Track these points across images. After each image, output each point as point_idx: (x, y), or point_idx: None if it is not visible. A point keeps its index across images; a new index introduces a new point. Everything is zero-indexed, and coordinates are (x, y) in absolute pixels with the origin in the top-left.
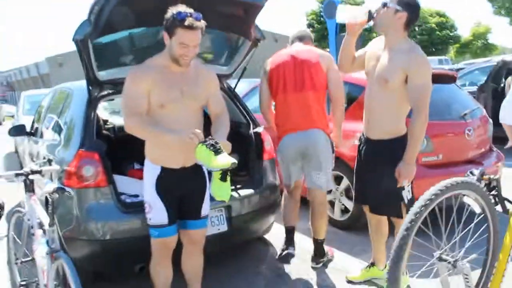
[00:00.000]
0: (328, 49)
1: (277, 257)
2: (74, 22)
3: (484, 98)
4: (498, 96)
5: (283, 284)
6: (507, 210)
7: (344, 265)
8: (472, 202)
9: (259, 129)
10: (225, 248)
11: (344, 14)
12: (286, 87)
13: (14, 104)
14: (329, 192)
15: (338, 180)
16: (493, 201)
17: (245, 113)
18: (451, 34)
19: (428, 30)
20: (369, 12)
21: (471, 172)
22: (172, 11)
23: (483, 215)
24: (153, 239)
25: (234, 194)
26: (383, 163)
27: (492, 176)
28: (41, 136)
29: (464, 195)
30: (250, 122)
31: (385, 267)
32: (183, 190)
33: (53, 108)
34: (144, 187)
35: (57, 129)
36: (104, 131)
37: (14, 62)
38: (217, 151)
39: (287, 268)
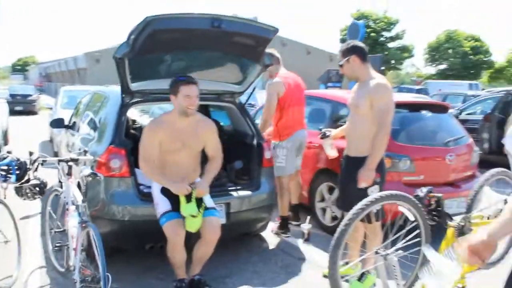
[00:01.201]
0: None
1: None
2: (112, 20)
3: (489, 128)
4: (503, 126)
5: (269, 271)
6: (446, 223)
7: (325, 263)
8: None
9: (262, 141)
10: (224, 238)
11: (329, 151)
12: (293, 101)
13: (50, 95)
14: (322, 200)
15: (330, 190)
16: (427, 213)
17: (251, 125)
18: (485, 59)
19: (462, 54)
20: (325, 135)
21: (420, 190)
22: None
23: (416, 223)
24: (164, 227)
25: (234, 193)
26: (355, 176)
27: (436, 195)
28: (78, 130)
29: (399, 205)
30: (255, 134)
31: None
32: None
33: (90, 107)
34: (153, 194)
35: (93, 125)
36: (132, 131)
37: (54, 55)
38: (189, 200)
39: (275, 260)
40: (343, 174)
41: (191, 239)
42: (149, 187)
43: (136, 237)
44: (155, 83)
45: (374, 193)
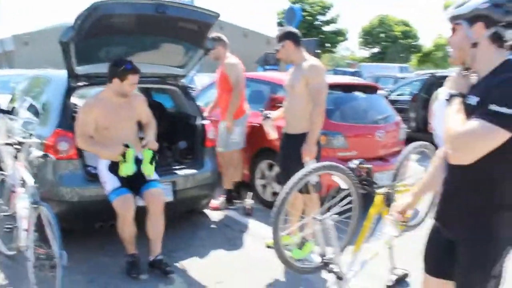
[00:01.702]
0: None
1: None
2: (41, 2)
3: (416, 108)
4: (428, 106)
5: (214, 244)
6: (374, 191)
7: (268, 235)
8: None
9: (204, 122)
10: (172, 216)
11: (270, 132)
12: (244, 84)
13: None
14: (262, 177)
15: (270, 167)
16: (359, 183)
17: (194, 107)
18: (414, 43)
19: (393, 38)
20: (267, 116)
21: (352, 162)
22: (120, 64)
23: (348, 191)
24: (113, 202)
25: (180, 172)
26: (294, 151)
27: (367, 165)
28: (18, 115)
29: (333, 174)
30: (198, 115)
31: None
32: None
33: (30, 92)
34: (101, 173)
35: (35, 110)
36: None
37: None
38: (124, 161)
39: (219, 234)
40: (283, 151)
41: (141, 215)
42: (96, 167)
43: (86, 217)
44: (100, 66)
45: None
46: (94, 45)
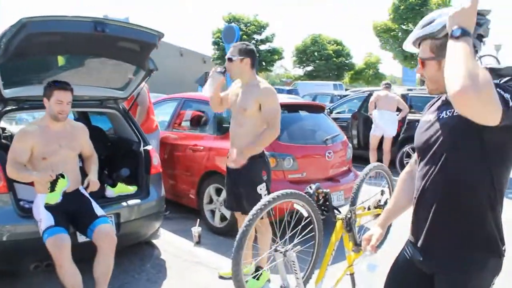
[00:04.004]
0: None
1: None
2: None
3: (357, 125)
4: (369, 123)
5: (163, 278)
6: (335, 216)
7: (220, 264)
8: (301, 208)
9: (148, 147)
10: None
11: (208, 88)
12: None
13: None
14: (210, 202)
15: (218, 192)
16: (318, 208)
17: (137, 132)
18: (346, 61)
19: (326, 56)
20: (221, 71)
21: (309, 187)
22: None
23: (309, 218)
24: (47, 242)
25: (124, 203)
26: (245, 176)
27: (324, 190)
28: None
29: (294, 202)
30: (141, 140)
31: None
32: (67, 206)
33: None
34: (35, 210)
35: None
36: (3, 140)
37: None
38: (52, 189)
39: (169, 266)
40: (231, 175)
41: (83, 255)
42: (31, 202)
43: (18, 257)
44: (31, 89)
45: (262, 191)
46: (24, 66)
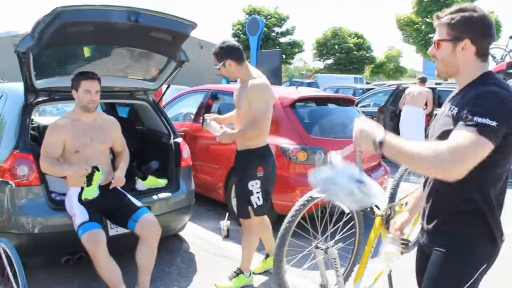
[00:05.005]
0: (249, 60)
1: None
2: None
3: (383, 119)
4: (395, 118)
5: (193, 272)
6: (373, 212)
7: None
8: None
9: (178, 140)
10: None
11: (215, 131)
12: None
13: None
14: None
15: None
16: None
17: (167, 124)
18: (367, 55)
19: (346, 49)
20: (205, 119)
21: None
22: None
23: (350, 215)
24: (82, 238)
25: (154, 196)
26: (237, 170)
27: None
28: None
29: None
30: (171, 132)
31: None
32: (102, 200)
33: None
34: (68, 204)
35: None
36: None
37: None
38: (89, 183)
39: (198, 260)
40: (235, 168)
41: (121, 247)
42: (62, 194)
43: (49, 250)
44: (63, 80)
45: (255, 187)
46: (56, 56)
